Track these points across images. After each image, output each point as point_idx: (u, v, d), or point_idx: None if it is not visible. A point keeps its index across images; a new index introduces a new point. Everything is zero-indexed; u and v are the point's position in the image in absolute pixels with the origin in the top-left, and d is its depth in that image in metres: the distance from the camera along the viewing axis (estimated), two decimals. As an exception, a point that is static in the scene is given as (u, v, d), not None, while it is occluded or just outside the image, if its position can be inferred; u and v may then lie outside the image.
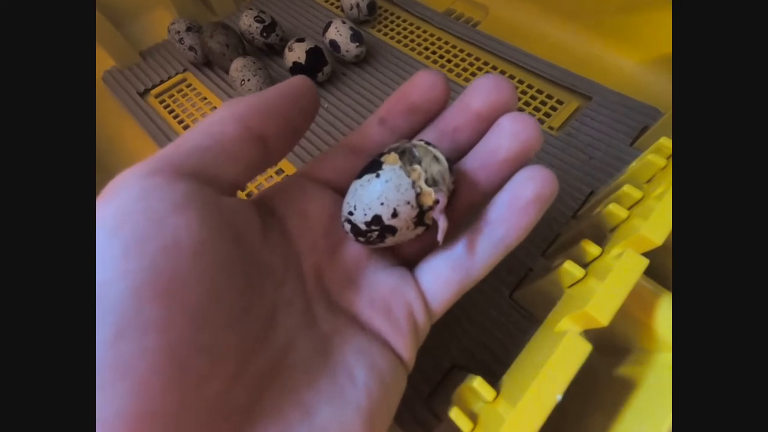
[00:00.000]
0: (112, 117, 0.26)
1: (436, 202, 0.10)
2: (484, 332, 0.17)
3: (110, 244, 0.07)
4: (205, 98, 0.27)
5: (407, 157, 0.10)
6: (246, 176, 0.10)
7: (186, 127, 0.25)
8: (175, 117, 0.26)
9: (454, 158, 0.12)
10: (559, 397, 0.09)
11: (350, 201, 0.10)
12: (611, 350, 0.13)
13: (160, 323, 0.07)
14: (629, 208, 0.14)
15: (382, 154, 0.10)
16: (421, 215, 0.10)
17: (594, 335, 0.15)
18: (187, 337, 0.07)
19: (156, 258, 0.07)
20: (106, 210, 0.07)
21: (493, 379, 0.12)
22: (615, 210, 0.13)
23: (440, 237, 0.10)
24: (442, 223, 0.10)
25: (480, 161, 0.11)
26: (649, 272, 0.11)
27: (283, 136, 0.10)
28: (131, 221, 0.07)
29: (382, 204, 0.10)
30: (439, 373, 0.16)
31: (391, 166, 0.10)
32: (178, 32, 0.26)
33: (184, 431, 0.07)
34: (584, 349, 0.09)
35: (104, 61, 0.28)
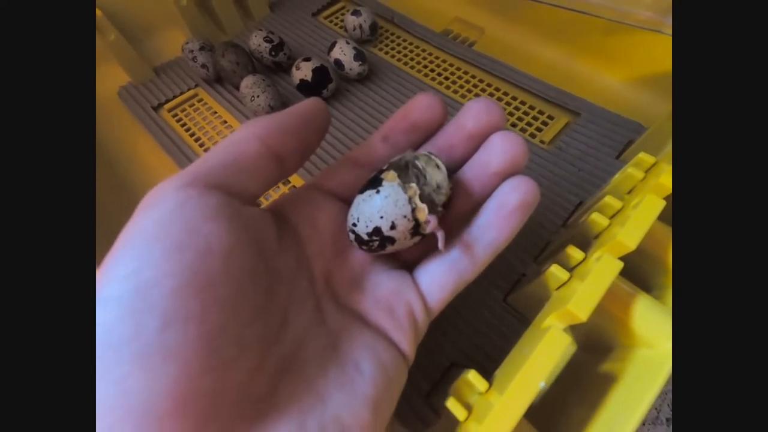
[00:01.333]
0: (127, 130, 0.28)
1: (427, 222, 0.11)
2: (480, 334, 0.18)
3: (153, 248, 0.08)
4: (216, 112, 0.28)
5: (411, 171, 0.11)
6: (264, 189, 0.11)
7: (197, 140, 0.27)
8: (187, 130, 0.27)
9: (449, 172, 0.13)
10: (542, 384, 0.10)
11: (354, 213, 0.11)
12: (595, 348, 0.14)
13: (198, 316, 0.08)
14: (611, 217, 0.15)
15: (382, 171, 0.12)
16: (417, 227, 0.11)
17: (581, 335, 0.16)
18: (219, 328, 0.08)
19: (194, 261, 0.08)
20: (148, 218, 0.09)
21: (488, 376, 0.13)
22: (598, 219, 0.15)
23: (441, 245, 0.11)
24: (441, 235, 0.11)
25: (473, 174, 0.13)
26: (628, 275, 0.12)
27: (298, 153, 0.12)
28: (170, 229, 0.08)
29: (381, 217, 0.11)
30: (438, 371, 0.17)
31: (390, 183, 0.11)
32: (192, 51, 0.28)
33: (218, 410, 0.08)
34: (565, 341, 0.10)
35: (120, 77, 0.29)
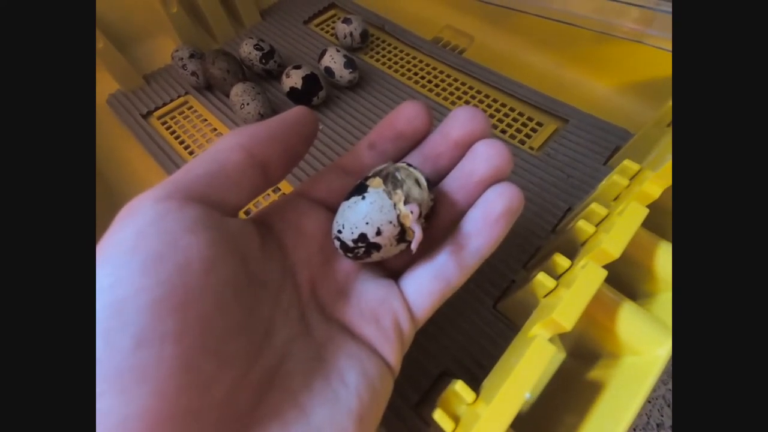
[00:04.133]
0: (116, 137, 0.28)
1: (411, 212, 0.11)
2: (470, 341, 0.18)
3: (130, 262, 0.08)
4: (206, 120, 0.28)
5: (390, 181, 0.11)
6: (248, 199, 0.11)
7: (187, 147, 0.27)
8: (177, 138, 0.27)
9: (436, 180, 0.13)
10: (527, 395, 0.10)
11: (339, 220, 0.11)
12: (583, 356, 0.14)
13: (174, 333, 0.08)
14: (597, 225, 0.15)
15: (367, 178, 0.12)
16: (403, 233, 0.11)
17: (569, 343, 0.16)
18: (197, 345, 0.08)
19: (171, 275, 0.08)
20: (125, 231, 0.09)
21: (477, 385, 0.13)
22: (584, 226, 0.15)
23: (414, 246, 0.11)
24: (418, 233, 0.11)
25: (458, 183, 0.13)
26: (614, 283, 0.12)
27: (284, 162, 0.12)
28: (148, 242, 0.08)
29: (367, 223, 0.11)
30: (427, 381, 0.17)
31: (376, 190, 0.11)
32: (182, 59, 0.28)
33: (197, 429, 0.08)
34: (550, 350, 0.10)
35: (109, 85, 0.29)
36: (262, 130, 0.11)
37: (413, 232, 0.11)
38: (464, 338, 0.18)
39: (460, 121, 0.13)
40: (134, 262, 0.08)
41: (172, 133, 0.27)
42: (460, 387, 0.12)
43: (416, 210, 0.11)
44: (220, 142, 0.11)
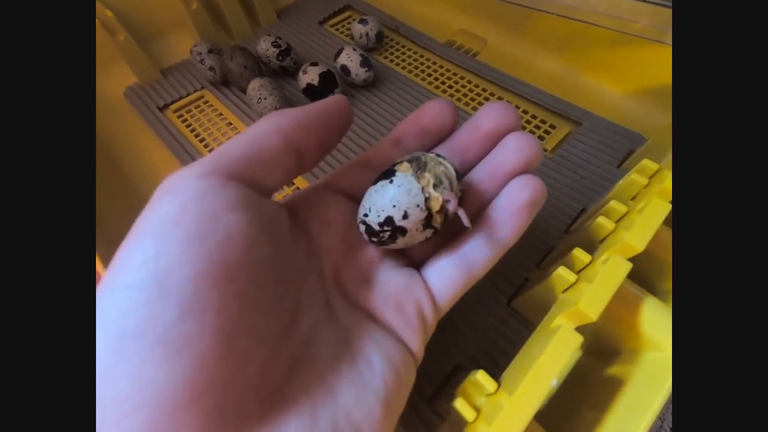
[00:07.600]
0: (133, 129, 0.28)
1: (447, 201, 0.11)
2: (484, 338, 0.18)
3: (173, 235, 0.08)
4: (221, 114, 0.28)
5: (419, 166, 0.11)
6: (281, 183, 0.11)
7: (202, 140, 0.27)
8: (192, 131, 0.27)
9: (462, 172, 0.13)
10: (554, 382, 0.10)
11: (365, 204, 0.11)
12: (603, 352, 0.14)
13: (215, 306, 0.08)
14: (616, 222, 0.15)
15: (395, 164, 0.12)
16: (429, 218, 0.11)
17: (587, 340, 0.16)
18: (234, 320, 0.08)
19: (212, 250, 0.08)
20: (167, 205, 0.09)
21: (493, 379, 0.13)
22: (604, 222, 0.15)
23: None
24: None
25: (488, 172, 0.13)
26: (634, 280, 0.12)
27: (318, 150, 0.12)
28: (190, 217, 0.08)
29: (394, 206, 0.11)
30: (441, 375, 0.17)
31: (404, 174, 0.11)
32: (200, 53, 0.28)
33: (231, 402, 0.08)
34: (577, 339, 0.10)
35: (127, 77, 0.29)
36: (302, 115, 0.11)
37: (440, 218, 0.11)
38: (478, 335, 0.18)
39: (492, 114, 0.13)
40: (177, 235, 0.08)
41: (188, 126, 0.28)
42: (481, 376, 0.12)
43: (454, 200, 0.11)
44: (259, 125, 0.11)
